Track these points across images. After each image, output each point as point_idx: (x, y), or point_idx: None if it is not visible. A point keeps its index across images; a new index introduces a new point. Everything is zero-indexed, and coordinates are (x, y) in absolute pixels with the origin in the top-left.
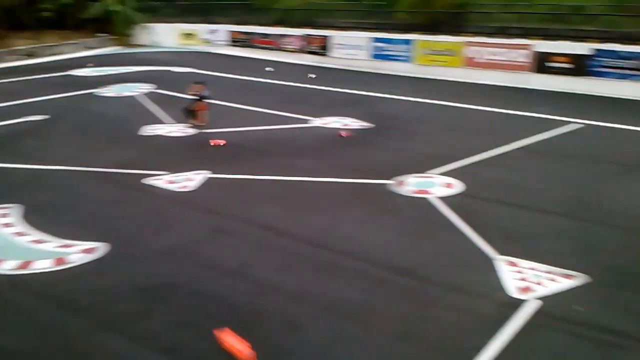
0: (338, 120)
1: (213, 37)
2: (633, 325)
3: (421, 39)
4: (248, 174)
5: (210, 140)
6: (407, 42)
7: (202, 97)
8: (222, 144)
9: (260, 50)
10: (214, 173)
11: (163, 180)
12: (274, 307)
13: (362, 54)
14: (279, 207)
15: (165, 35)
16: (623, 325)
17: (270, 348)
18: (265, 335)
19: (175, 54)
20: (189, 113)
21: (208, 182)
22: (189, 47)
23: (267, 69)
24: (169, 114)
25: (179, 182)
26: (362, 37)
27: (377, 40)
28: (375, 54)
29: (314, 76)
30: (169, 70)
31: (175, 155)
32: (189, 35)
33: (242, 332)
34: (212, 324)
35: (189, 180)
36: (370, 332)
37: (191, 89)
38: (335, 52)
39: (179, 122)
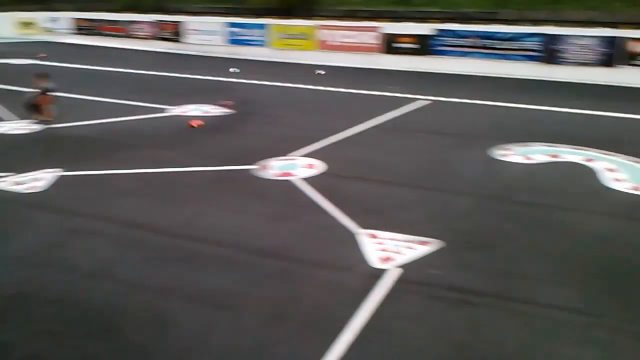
0: (197, 108)
1: (55, 25)
2: (483, 283)
3: (275, 23)
4: (104, 169)
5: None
6: (261, 26)
7: (46, 90)
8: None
9: (109, 37)
10: (66, 171)
11: (8, 182)
12: (140, 305)
13: (218, 40)
14: (140, 201)
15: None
16: (474, 283)
17: (139, 348)
18: (133, 335)
19: (12, 44)
20: (32, 108)
21: (60, 181)
22: (29, 36)
23: (231, 69)
24: (10, 110)
25: (27, 183)
26: (216, 22)
27: (232, 25)
28: (231, 39)
29: (322, 72)
30: (6, 63)
31: (21, 154)
32: (27, 24)
33: (107, 335)
34: (73, 331)
35: (38, 180)
36: (242, 317)
37: (34, 82)
38: (190, 38)
39: (22, 118)
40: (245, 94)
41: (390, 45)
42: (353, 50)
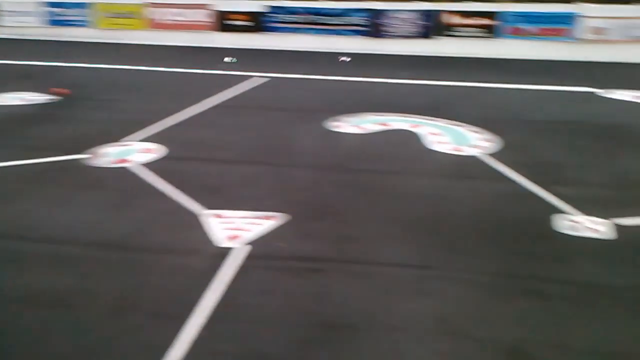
0: (16, 96)
1: None
2: (327, 250)
3: (99, 1)
4: None
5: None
6: (83, 5)
7: None
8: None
9: None
10: None
11: None
12: None
13: (35, 21)
14: None
15: None
16: (319, 251)
17: None
18: None
19: None
20: None
21: None
22: None
23: (226, 59)
24: None
25: None
26: (31, 2)
27: (51, 4)
28: (51, 20)
29: (347, 59)
30: None
31: None
32: None
33: None
34: None
35: None
36: (83, 315)
37: None
38: (6, 20)
39: None
40: (73, 79)
41: (222, 22)
42: (185, 29)
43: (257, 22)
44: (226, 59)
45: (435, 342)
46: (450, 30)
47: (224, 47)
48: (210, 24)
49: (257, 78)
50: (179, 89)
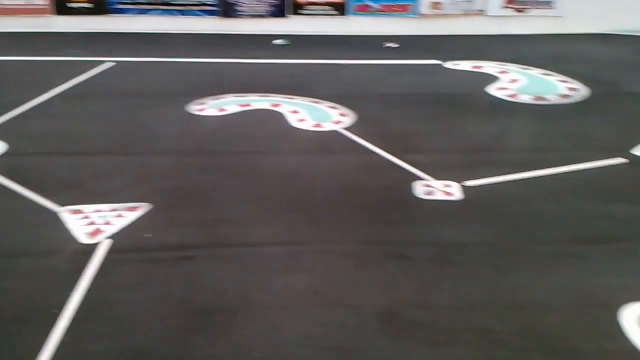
0: None
1: None
2: (196, 236)
3: None
4: None
5: None
6: None
7: None
8: None
9: None
10: None
11: None
12: None
13: None
14: None
15: None
16: (188, 238)
17: None
18: None
19: None
20: None
21: None
22: None
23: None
24: None
25: None
26: None
27: None
28: None
29: (394, 45)
30: None
31: None
32: None
33: None
34: None
35: None
36: None
37: None
38: None
39: None
40: None
41: (62, 5)
42: (19, 13)
43: (100, 3)
44: (276, 42)
45: (310, 314)
46: (302, 9)
47: (65, 32)
48: (48, 7)
49: (105, 63)
50: (19, 79)
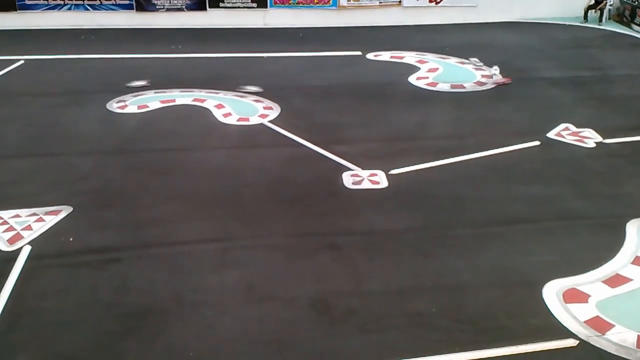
0: None
1: None
2: (122, 237)
3: None
4: None
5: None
6: None
7: None
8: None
9: None
10: None
11: None
12: None
13: None
14: None
15: None
16: (114, 240)
17: None
18: None
19: None
20: None
21: None
22: None
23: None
24: None
25: None
26: None
27: None
28: None
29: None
30: None
31: None
32: None
33: None
34: None
35: None
36: None
37: None
38: None
39: None
40: None
41: None
42: None
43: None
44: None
45: (244, 310)
46: (223, 2)
47: None
48: None
49: (14, 62)
50: None
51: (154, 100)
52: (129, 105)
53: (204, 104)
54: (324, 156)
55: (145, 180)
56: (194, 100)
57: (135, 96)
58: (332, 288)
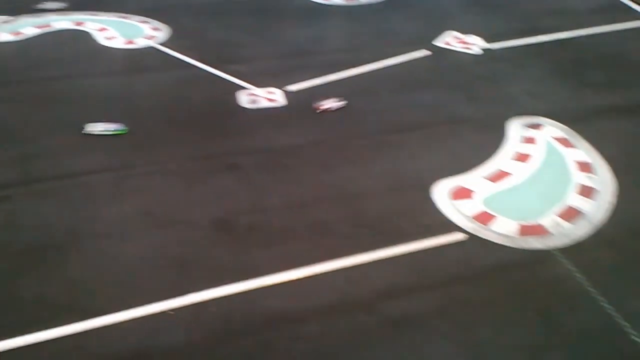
0: None
1: None
2: (7, 174)
3: None
4: None
5: None
6: None
7: None
8: None
9: None
10: None
11: None
12: None
13: None
14: None
15: None
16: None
17: None
18: None
19: None
20: None
21: None
22: None
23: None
24: None
25: None
26: None
27: None
28: None
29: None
30: None
31: None
32: None
33: None
34: None
35: None
36: None
37: None
38: None
39: None
40: None
41: None
42: None
43: None
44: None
45: (143, 237)
46: None
47: None
48: None
49: None
50: None
51: (28, 26)
52: (1, 33)
53: (84, 28)
54: (218, 76)
55: (28, 112)
56: (73, 24)
57: (5, 22)
58: (233, 207)
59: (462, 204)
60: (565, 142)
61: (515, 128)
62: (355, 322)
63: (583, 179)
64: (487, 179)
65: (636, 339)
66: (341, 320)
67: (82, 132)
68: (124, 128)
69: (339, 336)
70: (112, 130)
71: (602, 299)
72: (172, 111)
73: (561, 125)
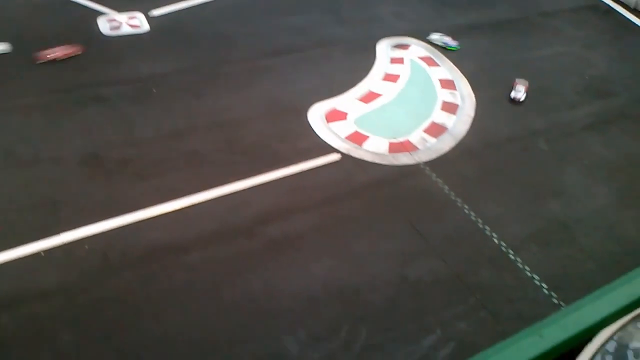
0: None
1: None
2: None
3: None
4: None
5: None
6: None
7: None
8: None
9: None
10: None
11: None
12: None
13: None
14: None
15: None
16: None
17: None
18: None
19: None
20: None
21: None
22: None
23: None
24: None
25: None
26: None
27: None
28: None
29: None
30: None
31: None
32: None
33: None
34: None
35: None
36: None
37: None
38: None
39: None
40: None
41: None
42: None
43: None
44: None
45: (6, 177)
46: None
47: None
48: None
49: None
50: None
51: None
52: None
53: None
54: (73, 1)
55: None
56: None
57: None
58: (102, 141)
59: (336, 125)
60: (429, 61)
61: (384, 49)
62: (237, 247)
63: (446, 95)
64: (359, 100)
65: (496, 240)
66: (222, 247)
67: None
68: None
69: (222, 263)
70: None
71: (466, 207)
72: (25, 42)
73: (425, 44)
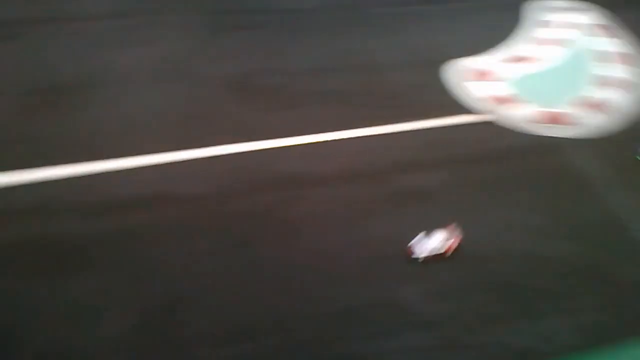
0: None
1: None
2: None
3: None
4: None
5: None
6: None
7: None
8: None
9: None
10: None
11: None
12: None
13: None
14: None
15: None
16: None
17: None
18: None
19: None
20: None
21: None
22: None
23: None
24: None
25: None
26: None
27: None
28: None
29: None
30: None
31: None
32: None
33: None
34: None
35: None
36: None
37: None
38: None
39: None
40: None
41: None
42: None
43: None
44: None
45: (159, 83)
46: None
47: None
48: None
49: None
50: None
51: None
52: None
53: None
54: None
55: None
56: None
57: None
58: (250, 66)
59: (481, 85)
60: (606, 31)
61: (532, 10)
62: (370, 190)
63: (620, 70)
64: (509, 61)
65: (637, 233)
66: (354, 187)
67: None
68: None
69: (350, 202)
70: None
71: (616, 194)
72: None
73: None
